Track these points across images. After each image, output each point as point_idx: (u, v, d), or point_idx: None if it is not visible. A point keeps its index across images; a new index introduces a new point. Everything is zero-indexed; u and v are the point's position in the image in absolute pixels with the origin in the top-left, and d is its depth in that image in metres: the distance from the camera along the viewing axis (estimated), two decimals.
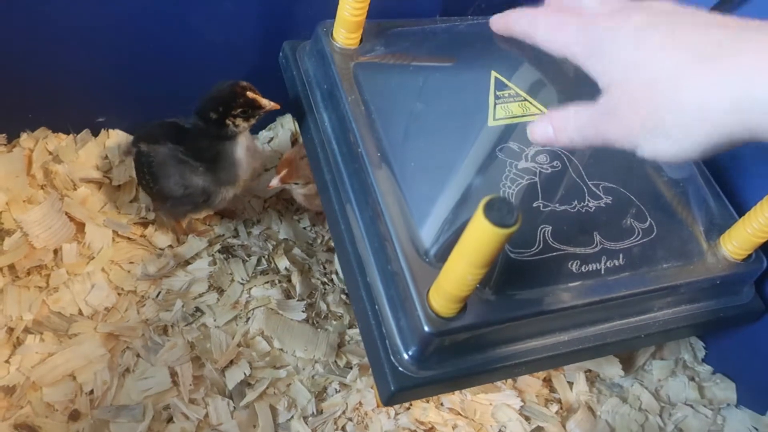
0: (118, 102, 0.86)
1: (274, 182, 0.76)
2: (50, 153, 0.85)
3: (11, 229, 0.78)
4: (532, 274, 0.54)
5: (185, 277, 0.80)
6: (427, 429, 0.73)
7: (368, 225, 0.57)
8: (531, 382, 0.78)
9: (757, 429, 0.76)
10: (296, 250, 0.86)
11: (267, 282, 0.82)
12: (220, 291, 0.80)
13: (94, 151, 0.87)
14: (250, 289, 0.81)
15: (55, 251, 0.78)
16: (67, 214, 0.80)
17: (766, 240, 0.60)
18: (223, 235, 0.85)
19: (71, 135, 0.88)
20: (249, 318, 0.79)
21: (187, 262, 0.82)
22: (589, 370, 0.81)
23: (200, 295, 0.79)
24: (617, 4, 0.46)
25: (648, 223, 0.60)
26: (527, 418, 0.75)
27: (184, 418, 0.70)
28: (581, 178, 0.60)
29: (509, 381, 0.78)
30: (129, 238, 0.82)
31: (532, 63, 0.64)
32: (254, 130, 0.95)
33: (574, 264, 0.56)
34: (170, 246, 0.83)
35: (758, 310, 0.67)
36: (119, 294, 0.77)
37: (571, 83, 0.64)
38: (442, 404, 0.75)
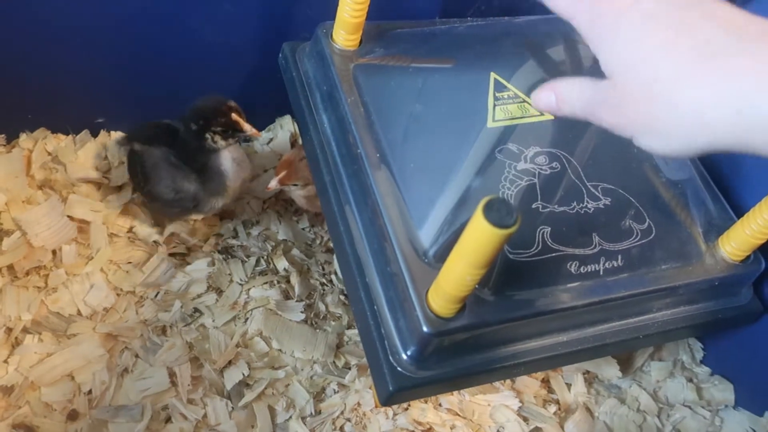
0: (117, 103, 0.86)
1: (273, 184, 0.76)
2: (49, 154, 0.85)
3: (10, 229, 0.78)
4: (531, 274, 0.54)
5: (184, 278, 0.80)
6: (425, 429, 0.73)
7: (367, 226, 0.57)
8: (529, 383, 0.78)
9: (755, 430, 0.76)
10: (295, 251, 0.86)
11: (266, 282, 0.82)
12: (219, 291, 0.80)
13: (93, 152, 0.87)
14: (249, 289, 0.81)
15: (54, 252, 0.78)
16: (66, 214, 0.80)
17: (764, 241, 0.60)
18: (223, 235, 0.85)
19: (70, 136, 0.88)
20: (248, 318, 0.79)
21: (186, 263, 0.82)
22: (588, 371, 0.81)
23: (199, 296, 0.79)
24: None
25: (647, 224, 0.60)
26: (525, 419, 0.75)
27: (183, 419, 0.70)
28: (580, 180, 0.60)
29: (507, 382, 0.78)
30: (128, 239, 0.82)
31: (531, 64, 0.64)
32: None
33: (573, 265, 0.56)
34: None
35: (756, 311, 0.67)
36: (118, 294, 0.77)
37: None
38: (440, 405, 0.75)
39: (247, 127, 0.69)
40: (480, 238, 0.38)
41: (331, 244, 0.87)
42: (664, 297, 0.60)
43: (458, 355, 0.54)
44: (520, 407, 0.76)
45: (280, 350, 0.77)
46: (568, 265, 0.56)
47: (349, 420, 0.73)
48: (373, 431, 0.73)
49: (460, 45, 0.66)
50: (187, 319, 0.77)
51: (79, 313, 0.75)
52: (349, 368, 0.76)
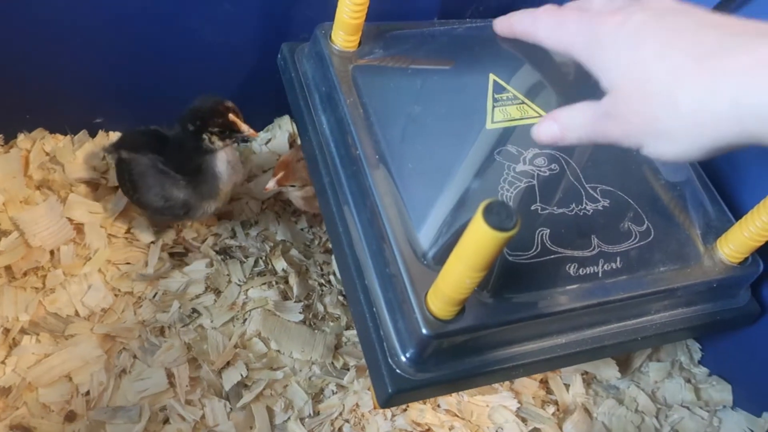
0: (115, 103, 0.86)
1: (271, 185, 0.76)
2: (47, 154, 0.85)
3: (8, 229, 0.77)
4: (530, 277, 0.54)
5: (182, 279, 0.80)
6: (423, 430, 0.73)
7: (366, 227, 0.57)
8: (528, 384, 0.78)
9: (753, 431, 0.76)
10: (294, 252, 0.86)
11: (264, 283, 0.82)
12: (217, 292, 0.80)
13: (92, 152, 0.87)
14: (248, 290, 0.81)
15: (52, 252, 0.78)
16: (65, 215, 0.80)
17: (762, 243, 0.60)
18: (221, 235, 0.85)
19: (68, 136, 0.87)
20: (246, 319, 0.79)
21: (184, 263, 0.82)
22: (586, 372, 0.81)
23: (197, 297, 0.79)
24: (620, 3, 0.46)
25: (645, 226, 0.60)
26: (524, 420, 0.76)
27: (181, 420, 0.70)
28: (579, 181, 0.60)
29: (506, 383, 0.78)
30: (126, 239, 0.82)
31: (530, 66, 0.64)
32: None
33: (572, 267, 0.56)
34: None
35: (754, 312, 0.67)
36: (116, 295, 0.77)
37: (569, 86, 0.64)
38: (438, 406, 0.75)
39: (245, 128, 0.69)
40: (479, 241, 0.38)
41: (329, 245, 0.87)
42: (663, 299, 0.60)
43: (457, 357, 0.54)
44: (518, 408, 0.76)
45: (278, 351, 0.77)
46: (567, 267, 0.56)
47: (347, 421, 0.73)
48: None
49: (459, 46, 0.66)
50: (185, 319, 0.77)
51: (76, 313, 0.75)
52: (348, 369, 0.76)
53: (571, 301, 0.55)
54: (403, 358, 0.52)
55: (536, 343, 0.57)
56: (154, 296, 0.78)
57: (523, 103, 0.62)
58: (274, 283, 0.82)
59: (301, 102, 0.65)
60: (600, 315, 0.58)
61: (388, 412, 0.74)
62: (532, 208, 0.57)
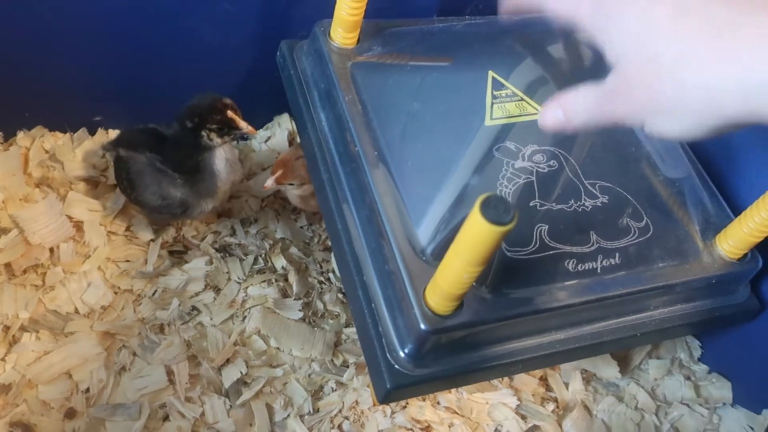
0: (115, 101, 0.86)
1: (269, 183, 0.76)
2: (47, 152, 0.85)
3: (7, 227, 0.78)
4: (529, 272, 0.54)
5: (182, 276, 0.80)
6: (423, 428, 0.73)
7: (365, 224, 0.57)
8: (527, 381, 0.78)
9: (752, 428, 0.76)
10: (293, 249, 0.86)
11: (264, 281, 0.82)
12: (217, 290, 0.80)
13: (91, 150, 0.87)
14: (247, 287, 0.81)
15: (51, 250, 0.78)
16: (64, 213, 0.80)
17: (761, 239, 0.60)
18: (220, 233, 0.85)
19: (68, 134, 0.88)
20: (245, 317, 0.79)
21: (184, 261, 0.82)
22: (586, 370, 0.81)
23: (197, 294, 0.79)
24: None
25: (644, 222, 0.60)
26: (523, 417, 0.76)
27: (180, 417, 0.70)
28: (578, 178, 0.60)
29: (505, 380, 0.78)
30: (126, 237, 0.82)
31: (529, 63, 0.64)
32: None
33: (571, 263, 0.56)
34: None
35: (754, 309, 0.67)
36: (115, 292, 0.77)
37: (568, 83, 0.64)
38: (438, 403, 0.75)
39: (243, 125, 0.69)
40: (477, 235, 0.38)
41: (329, 243, 0.87)
42: (662, 295, 0.60)
43: (456, 353, 0.54)
44: (518, 405, 0.76)
45: (278, 348, 0.77)
46: (566, 262, 0.56)
47: (347, 418, 0.73)
48: (371, 429, 0.73)
49: (458, 43, 0.66)
50: (185, 317, 0.77)
51: (76, 311, 0.75)
52: (347, 366, 0.76)
53: (570, 297, 0.55)
54: (402, 354, 0.52)
55: (535, 339, 0.57)
56: (154, 294, 0.78)
57: (522, 99, 0.62)
58: (273, 280, 0.82)
59: (300, 99, 0.65)
60: (599, 311, 0.58)
61: (388, 408, 0.74)
62: (531, 204, 0.57)
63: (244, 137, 0.93)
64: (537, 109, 0.62)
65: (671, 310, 0.62)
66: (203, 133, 0.70)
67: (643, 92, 0.40)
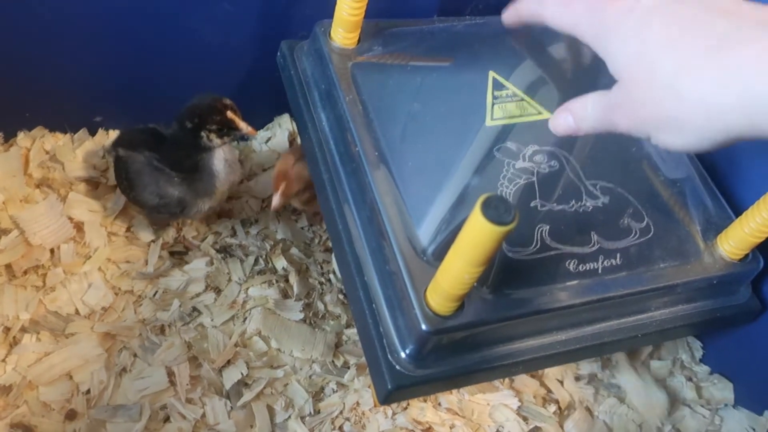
0: (115, 102, 0.86)
1: (277, 201, 0.74)
2: (47, 152, 0.85)
3: (8, 228, 0.78)
4: (530, 273, 0.54)
5: (182, 277, 0.80)
6: (424, 429, 0.73)
7: (366, 224, 0.57)
8: (528, 383, 0.78)
9: (754, 429, 0.76)
10: (294, 250, 0.86)
11: (264, 282, 0.82)
12: (218, 291, 0.80)
13: (91, 151, 0.87)
14: (248, 288, 0.81)
15: (52, 251, 0.78)
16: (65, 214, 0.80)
17: (762, 240, 0.60)
18: (221, 234, 0.85)
19: (68, 134, 0.88)
20: (246, 318, 0.79)
21: (185, 262, 0.82)
22: (596, 375, 0.81)
23: (197, 295, 0.79)
24: None
25: (645, 222, 0.60)
26: (525, 418, 0.75)
27: (181, 418, 0.70)
28: (579, 178, 0.60)
29: (507, 381, 0.78)
30: (126, 238, 0.82)
31: (530, 63, 0.64)
32: None
33: (572, 263, 0.56)
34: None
35: (755, 309, 0.67)
36: (116, 293, 0.77)
37: (569, 83, 0.64)
38: (439, 404, 0.75)
39: (243, 125, 0.69)
40: (478, 235, 0.38)
41: (329, 243, 0.87)
42: (663, 295, 0.60)
43: (457, 354, 0.54)
44: (519, 406, 0.76)
45: (278, 349, 0.77)
46: (567, 263, 0.56)
47: (348, 419, 0.73)
48: (372, 430, 0.73)
49: (459, 43, 0.66)
50: (185, 318, 0.77)
51: (77, 312, 0.75)
52: (348, 367, 0.76)
53: (571, 298, 0.55)
54: (403, 355, 0.52)
55: (536, 340, 0.57)
56: (155, 295, 0.78)
57: (523, 100, 0.62)
58: (274, 281, 0.82)
59: (300, 100, 0.65)
60: (600, 311, 0.58)
61: (389, 410, 0.74)
62: (532, 204, 0.57)
63: (245, 138, 0.93)
64: (538, 110, 0.62)
65: (672, 310, 0.62)
66: (203, 133, 0.70)
67: (645, 107, 0.40)
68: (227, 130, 0.70)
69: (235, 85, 0.86)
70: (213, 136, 0.70)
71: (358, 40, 0.63)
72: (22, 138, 0.85)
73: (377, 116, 0.59)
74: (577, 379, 0.80)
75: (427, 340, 0.50)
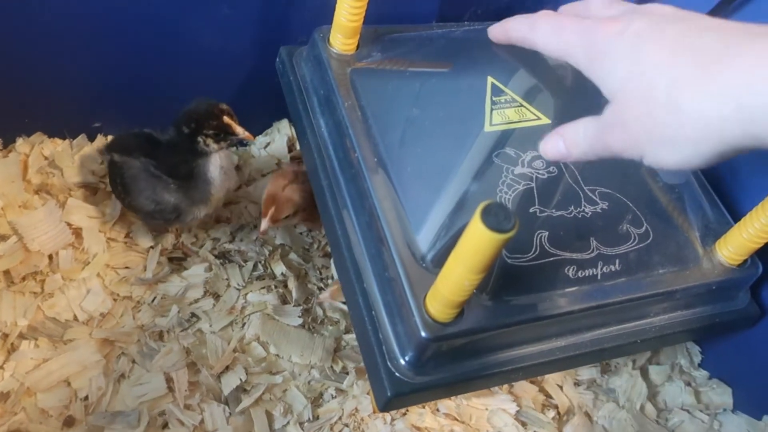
0: (114, 107, 0.86)
1: (265, 226, 0.73)
2: (46, 158, 0.85)
3: (6, 234, 0.77)
4: (529, 279, 0.54)
5: (181, 283, 0.80)
6: None
7: (365, 230, 0.57)
8: (527, 388, 0.78)
9: None
10: (292, 256, 0.86)
11: (263, 287, 0.81)
12: (216, 296, 0.80)
13: (90, 157, 0.87)
14: (246, 294, 0.81)
15: (50, 257, 0.78)
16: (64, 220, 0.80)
17: (761, 245, 0.60)
18: (220, 239, 0.85)
19: (67, 140, 0.87)
20: (245, 323, 0.78)
21: (183, 267, 0.82)
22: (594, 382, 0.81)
23: (196, 301, 0.79)
24: (619, 9, 0.46)
25: (644, 228, 0.60)
26: (523, 424, 0.75)
27: (180, 424, 0.69)
28: (578, 184, 0.60)
29: (505, 386, 0.77)
30: (125, 244, 0.82)
31: (528, 69, 0.64)
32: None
33: (571, 269, 0.56)
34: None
35: (754, 315, 0.67)
36: (114, 299, 0.77)
37: (567, 89, 0.64)
38: (438, 410, 0.75)
39: (240, 130, 0.69)
40: (478, 242, 0.38)
41: (328, 249, 0.87)
42: (662, 301, 0.60)
43: (456, 361, 0.54)
44: (518, 412, 0.75)
45: (277, 355, 0.77)
46: (566, 269, 0.56)
47: (347, 425, 0.73)
48: None
49: (458, 49, 0.66)
50: (184, 324, 0.77)
51: (75, 318, 0.75)
52: (347, 373, 0.76)
53: (570, 304, 0.55)
54: (402, 362, 0.52)
55: (535, 346, 0.57)
56: (153, 301, 0.78)
57: (522, 105, 0.63)
58: (273, 287, 0.82)
59: (299, 105, 0.65)
60: (599, 317, 0.58)
61: (388, 416, 0.74)
62: (531, 210, 0.57)
63: (243, 143, 0.93)
64: (536, 115, 0.62)
65: (671, 316, 0.62)
66: (199, 138, 0.70)
67: (639, 125, 0.40)
68: (224, 135, 0.69)
69: (234, 90, 0.86)
70: (210, 141, 0.70)
71: (357, 46, 0.63)
72: (21, 144, 0.85)
73: (376, 122, 0.59)
74: (577, 384, 0.80)
75: (427, 347, 0.50)
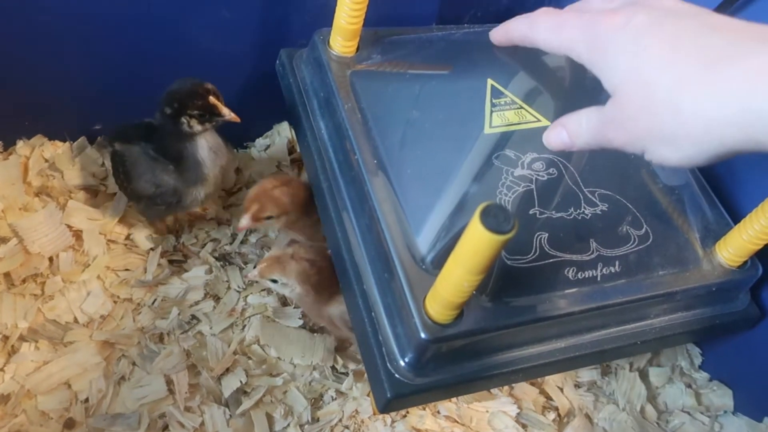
0: (114, 110, 0.85)
1: (244, 222, 0.69)
2: (46, 160, 0.85)
3: (7, 236, 0.77)
4: (529, 280, 0.54)
5: (181, 285, 0.80)
6: None
7: (365, 232, 0.57)
8: (527, 390, 0.78)
9: None
10: None
11: (263, 289, 0.81)
12: (217, 298, 0.80)
13: (91, 159, 0.87)
14: (247, 296, 0.81)
15: (51, 259, 0.78)
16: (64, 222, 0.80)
17: (761, 247, 0.60)
18: (220, 241, 0.85)
19: (67, 142, 0.88)
20: (245, 325, 0.78)
21: (184, 269, 0.82)
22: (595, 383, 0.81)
23: (196, 303, 0.79)
24: (620, 1, 0.46)
25: (644, 230, 0.60)
26: (524, 426, 0.75)
27: (180, 427, 0.69)
28: (577, 186, 0.60)
29: (506, 388, 0.77)
30: (125, 246, 0.82)
31: (528, 71, 0.64)
32: (250, 138, 0.95)
33: (571, 271, 0.56)
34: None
35: (754, 316, 0.67)
36: (115, 302, 0.77)
37: (567, 90, 0.64)
38: (438, 412, 0.75)
39: (226, 111, 0.66)
40: (477, 244, 0.38)
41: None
42: (662, 303, 0.60)
43: (456, 362, 0.54)
44: (518, 414, 0.75)
45: (277, 357, 0.77)
46: (566, 271, 0.56)
47: (347, 427, 0.73)
48: None
49: (457, 51, 0.67)
50: (184, 326, 0.77)
51: (75, 320, 0.75)
52: (347, 375, 0.76)
53: (570, 305, 0.55)
54: (402, 363, 0.52)
55: (535, 348, 0.57)
56: (153, 303, 0.78)
57: (521, 107, 0.63)
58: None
59: (299, 108, 0.65)
60: (599, 319, 0.58)
61: (388, 418, 0.74)
62: (531, 212, 0.57)
63: (241, 143, 0.92)
64: (536, 117, 0.62)
65: (671, 318, 0.62)
66: (183, 119, 0.67)
67: (641, 122, 0.40)
68: (209, 116, 0.67)
69: (234, 92, 0.85)
70: (194, 122, 0.67)
71: (357, 49, 0.63)
72: (22, 146, 0.85)
73: (376, 124, 0.59)
74: (577, 386, 0.80)
75: (427, 349, 0.50)
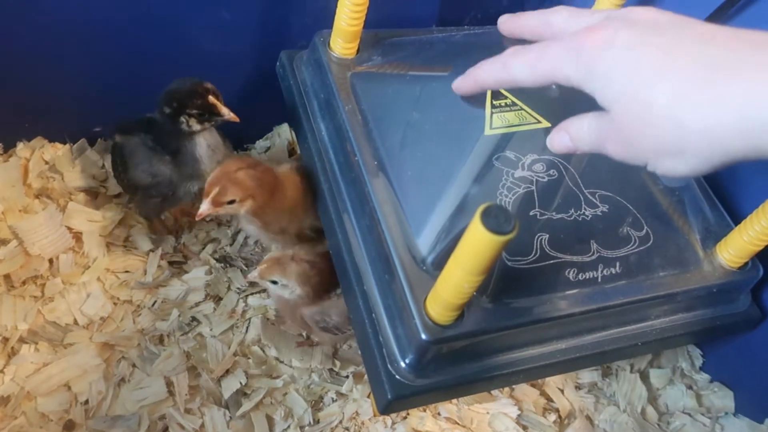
0: (114, 112, 0.85)
1: (205, 208, 0.62)
2: (46, 162, 0.85)
3: (7, 238, 0.77)
4: (529, 282, 0.54)
5: (181, 287, 0.80)
6: None
7: (365, 234, 0.57)
8: (528, 391, 0.78)
9: None
10: None
11: (264, 291, 0.81)
12: (217, 300, 0.80)
13: (91, 161, 0.87)
14: (247, 297, 0.81)
15: (51, 261, 0.78)
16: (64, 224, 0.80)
17: (762, 248, 0.60)
18: (220, 242, 0.85)
19: (67, 144, 0.87)
20: (245, 327, 0.78)
21: (184, 271, 0.82)
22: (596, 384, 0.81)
23: (197, 305, 0.79)
24: (594, 17, 0.45)
25: (644, 231, 0.60)
26: (525, 428, 0.75)
27: (180, 428, 0.69)
28: (578, 187, 0.60)
29: (506, 390, 0.77)
30: (125, 248, 0.82)
31: None
32: (250, 140, 0.95)
33: (571, 272, 0.56)
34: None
35: (755, 317, 0.67)
36: (115, 303, 0.77)
37: (567, 91, 0.64)
38: (439, 413, 0.75)
39: (225, 111, 0.66)
40: (478, 245, 0.38)
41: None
42: (663, 304, 0.60)
43: (457, 363, 0.54)
44: (519, 415, 0.75)
45: (278, 359, 0.77)
46: (566, 272, 0.56)
47: (347, 429, 0.73)
48: None
49: (458, 53, 0.67)
50: (184, 327, 0.77)
51: (75, 322, 0.75)
52: (348, 376, 0.76)
53: (571, 307, 0.55)
54: (403, 364, 0.52)
55: (536, 349, 0.57)
56: (153, 304, 0.78)
57: (522, 109, 0.63)
58: None
59: (299, 109, 0.65)
60: (599, 320, 0.58)
61: (388, 419, 0.74)
62: (531, 213, 0.57)
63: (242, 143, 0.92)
64: (536, 119, 0.62)
65: (672, 319, 0.62)
66: (182, 118, 0.67)
67: (643, 139, 0.40)
68: (208, 115, 0.66)
69: (234, 94, 0.85)
70: (193, 121, 0.67)
71: (358, 50, 0.63)
72: (22, 148, 0.85)
73: (376, 126, 0.59)
74: (578, 387, 0.80)
75: (427, 350, 0.50)
